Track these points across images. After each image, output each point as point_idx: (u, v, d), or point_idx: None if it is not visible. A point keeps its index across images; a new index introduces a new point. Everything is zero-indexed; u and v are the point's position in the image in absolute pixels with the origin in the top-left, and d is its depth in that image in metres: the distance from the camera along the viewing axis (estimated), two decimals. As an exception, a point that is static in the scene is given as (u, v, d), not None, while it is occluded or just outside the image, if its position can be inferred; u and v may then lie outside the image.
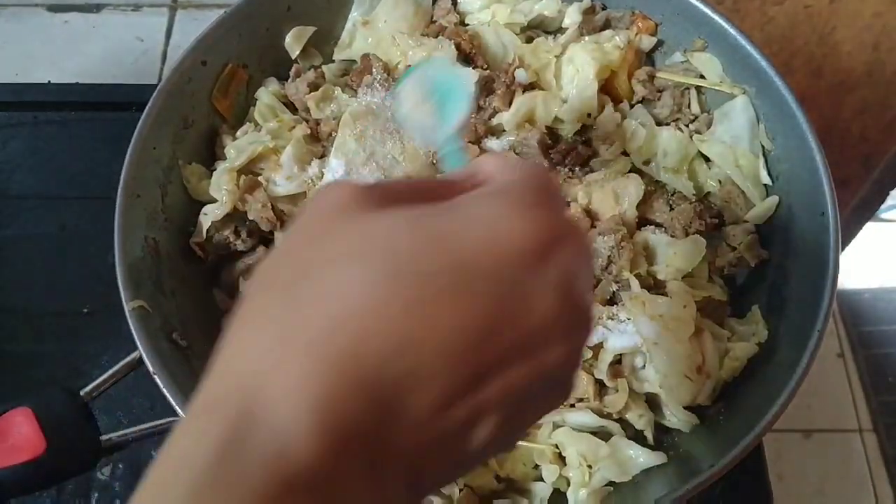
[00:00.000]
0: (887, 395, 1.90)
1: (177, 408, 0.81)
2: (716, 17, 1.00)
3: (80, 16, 1.54)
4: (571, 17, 1.07)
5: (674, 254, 0.94)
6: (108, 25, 1.53)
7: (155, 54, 1.50)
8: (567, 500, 0.87)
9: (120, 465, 1.06)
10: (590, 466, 0.86)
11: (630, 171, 1.00)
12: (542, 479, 0.88)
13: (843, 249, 0.88)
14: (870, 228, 1.84)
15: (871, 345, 1.97)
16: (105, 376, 0.86)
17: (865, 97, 1.56)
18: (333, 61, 1.10)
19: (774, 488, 1.10)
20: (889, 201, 1.79)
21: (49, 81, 1.38)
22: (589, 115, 1.03)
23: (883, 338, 2.01)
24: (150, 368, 0.82)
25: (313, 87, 1.04)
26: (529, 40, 1.07)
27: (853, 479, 1.82)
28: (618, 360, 0.89)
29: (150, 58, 1.49)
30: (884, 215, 2.15)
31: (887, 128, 1.61)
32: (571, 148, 1.01)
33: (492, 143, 1.00)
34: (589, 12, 1.08)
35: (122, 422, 1.07)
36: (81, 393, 0.84)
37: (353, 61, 1.08)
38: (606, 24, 1.09)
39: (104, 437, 0.83)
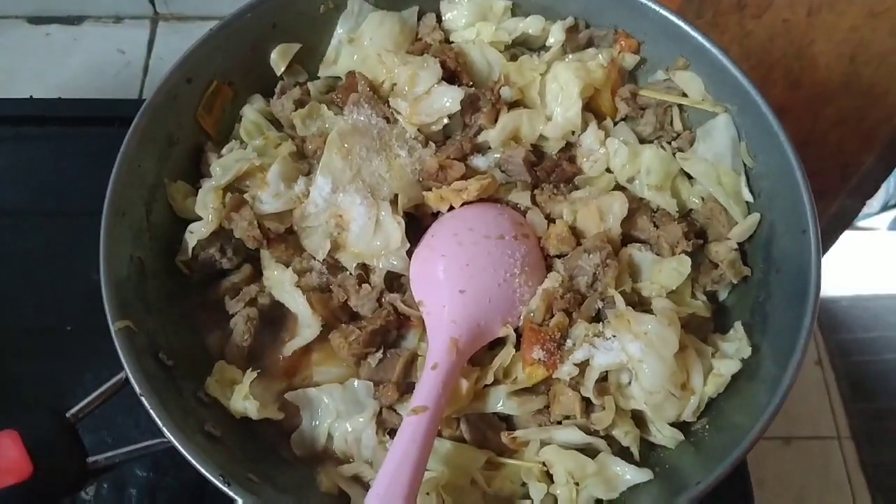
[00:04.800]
0: (865, 402, 1.91)
1: (163, 428, 0.80)
2: (697, 36, 1.01)
3: (62, 28, 1.53)
4: (555, 35, 1.08)
5: (659, 271, 0.95)
6: (89, 38, 1.52)
7: (137, 66, 1.49)
8: (555, 518, 0.87)
9: (105, 486, 1.05)
10: (577, 484, 0.87)
11: (613, 189, 1.01)
12: (529, 497, 0.89)
13: (820, 258, 0.89)
14: (847, 237, 1.85)
15: (849, 353, 1.99)
16: (91, 397, 0.85)
17: (843, 108, 1.57)
18: (318, 78, 1.10)
19: (755, 494, 1.11)
20: (865, 209, 1.81)
21: (31, 96, 1.37)
22: (573, 132, 1.04)
23: (860, 345, 2.02)
24: (137, 390, 0.81)
25: (299, 104, 1.04)
26: (514, 58, 1.08)
27: (832, 485, 1.84)
28: (604, 378, 0.90)
29: (132, 70, 1.49)
30: (860, 223, 2.17)
31: (864, 138, 1.63)
32: (556, 165, 1.02)
33: (477, 160, 1.01)
34: (572, 30, 1.09)
35: (107, 440, 1.06)
36: (68, 415, 0.83)
37: (338, 78, 1.08)
38: (590, 43, 1.10)
39: (91, 460, 0.83)
